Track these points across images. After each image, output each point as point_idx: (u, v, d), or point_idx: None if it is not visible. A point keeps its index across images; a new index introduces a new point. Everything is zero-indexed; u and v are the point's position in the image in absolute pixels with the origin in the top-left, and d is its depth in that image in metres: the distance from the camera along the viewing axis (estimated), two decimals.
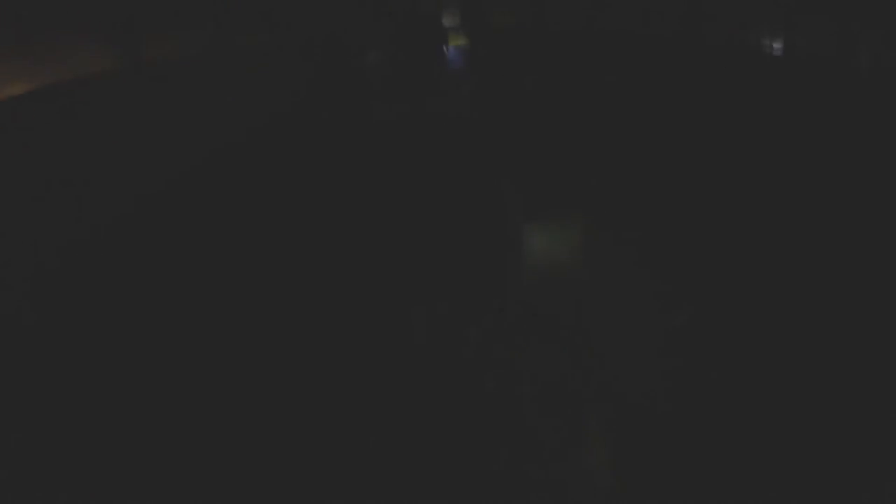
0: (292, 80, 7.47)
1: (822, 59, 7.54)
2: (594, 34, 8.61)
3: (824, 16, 7.51)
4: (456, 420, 3.03)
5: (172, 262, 4.39)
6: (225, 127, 6.24)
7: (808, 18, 7.69)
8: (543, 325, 3.71)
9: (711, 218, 4.93)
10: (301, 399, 3.22)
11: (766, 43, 8.01)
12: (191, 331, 3.71)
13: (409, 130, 6.42)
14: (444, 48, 7.89)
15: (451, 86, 7.56)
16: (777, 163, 5.67)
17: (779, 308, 3.83)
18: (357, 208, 5.08)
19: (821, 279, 4.05)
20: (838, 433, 2.89)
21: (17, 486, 2.69)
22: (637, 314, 3.79)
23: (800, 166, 5.62)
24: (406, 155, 5.90)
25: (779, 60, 7.91)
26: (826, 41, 7.55)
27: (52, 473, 2.78)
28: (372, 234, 4.75)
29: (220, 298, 4.00)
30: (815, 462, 2.75)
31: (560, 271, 4.19)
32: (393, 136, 6.30)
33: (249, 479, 2.76)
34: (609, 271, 4.14)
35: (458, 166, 5.68)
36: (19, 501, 2.62)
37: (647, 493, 2.64)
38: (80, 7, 6.33)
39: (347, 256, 4.47)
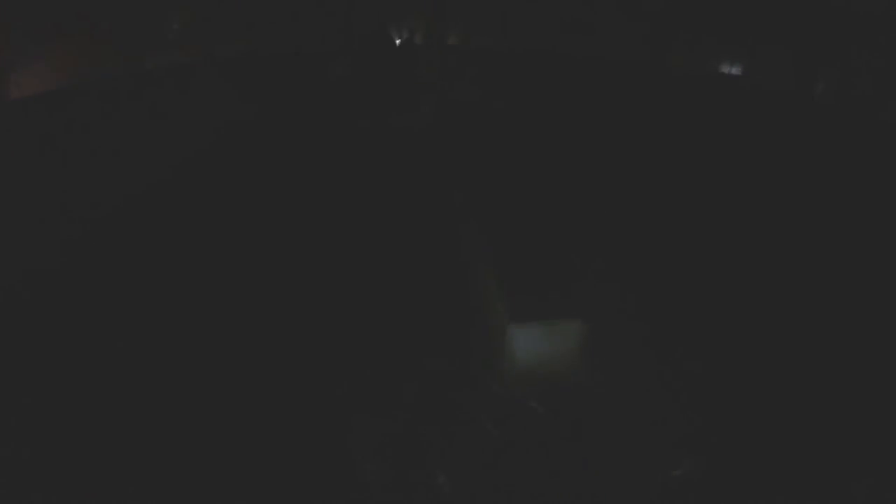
0: (257, 92, 7.40)
1: (781, 88, 7.64)
2: (557, 57, 8.60)
3: (783, 46, 7.63)
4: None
5: (161, 263, 4.50)
6: (191, 139, 6.30)
7: (768, 48, 7.80)
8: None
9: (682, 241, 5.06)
10: (278, 395, 3.32)
11: (727, 71, 8.09)
12: (175, 330, 3.82)
13: (372, 144, 6.46)
14: (407, 63, 7.76)
15: (414, 101, 7.42)
16: (741, 197, 5.69)
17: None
18: (322, 219, 5.16)
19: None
20: None
21: (16, 485, 2.71)
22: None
23: (763, 200, 5.64)
24: (369, 169, 5.97)
25: (739, 89, 7.99)
26: (785, 71, 7.66)
27: (48, 472, 2.80)
28: (336, 242, 4.86)
29: (198, 297, 4.12)
30: None
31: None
32: (357, 148, 6.37)
33: (238, 475, 2.82)
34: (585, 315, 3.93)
35: (418, 183, 5.75)
36: (19, 501, 2.63)
37: None
38: (79, 14, 6.22)
39: (315, 264, 4.58)
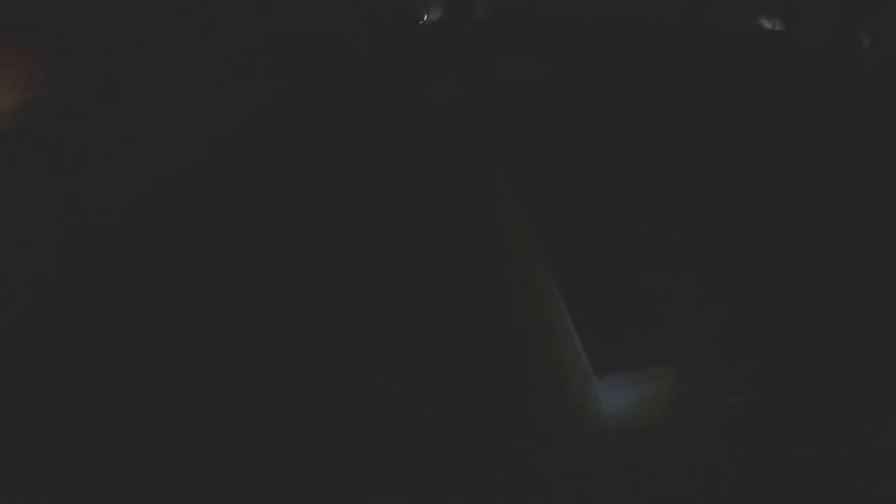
0: (280, 75, 7.20)
1: (823, 42, 7.47)
2: (593, 20, 8.39)
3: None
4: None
5: (165, 262, 4.38)
6: (214, 127, 6.17)
7: (809, 2, 7.58)
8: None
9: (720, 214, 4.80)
10: (285, 395, 3.22)
11: (766, 26, 7.89)
12: (177, 329, 3.73)
13: (402, 123, 6.21)
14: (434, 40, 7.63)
15: (444, 77, 7.32)
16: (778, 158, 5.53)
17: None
18: (350, 205, 4.89)
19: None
20: None
21: (17, 485, 2.73)
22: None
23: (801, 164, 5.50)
24: (399, 149, 5.68)
25: (780, 44, 7.82)
26: (826, 24, 7.47)
27: (50, 472, 2.81)
28: (364, 231, 4.59)
29: (211, 294, 4.00)
30: None
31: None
32: (385, 128, 6.09)
33: (239, 476, 2.78)
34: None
35: (452, 160, 5.45)
36: (19, 501, 2.66)
37: None
38: (69, 10, 5.99)
39: (339, 256, 4.31)
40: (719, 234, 4.69)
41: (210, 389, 3.31)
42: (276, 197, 5.08)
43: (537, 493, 2.78)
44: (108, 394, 3.30)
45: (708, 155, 5.77)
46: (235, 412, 3.17)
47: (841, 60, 7.43)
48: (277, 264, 4.28)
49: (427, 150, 5.67)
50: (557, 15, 8.42)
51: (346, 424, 3.13)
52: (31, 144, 5.47)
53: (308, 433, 3.08)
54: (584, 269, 3.83)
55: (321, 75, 7.28)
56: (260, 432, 3.05)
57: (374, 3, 8.02)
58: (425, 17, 7.98)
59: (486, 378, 3.39)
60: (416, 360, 3.52)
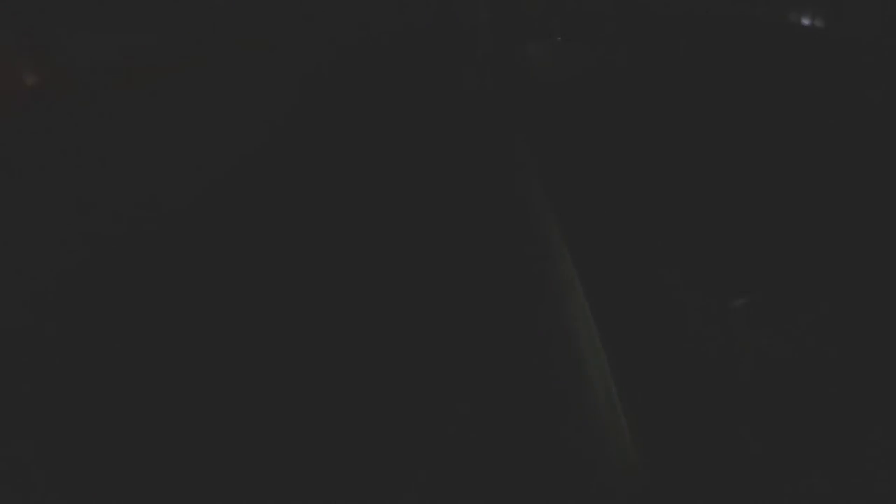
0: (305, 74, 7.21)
1: (867, 39, 7.47)
2: (629, 13, 8.43)
3: None
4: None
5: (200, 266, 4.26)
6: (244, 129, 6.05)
7: None
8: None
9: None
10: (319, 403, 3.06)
11: (804, 22, 7.92)
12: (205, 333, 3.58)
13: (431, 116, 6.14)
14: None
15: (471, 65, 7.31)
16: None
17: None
18: (373, 200, 4.84)
19: None
20: None
21: (17, 485, 2.64)
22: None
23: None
24: (428, 143, 5.58)
25: (820, 41, 7.84)
26: (872, 20, 7.47)
27: (59, 476, 2.71)
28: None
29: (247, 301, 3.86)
30: None
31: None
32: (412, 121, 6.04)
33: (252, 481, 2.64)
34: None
35: (480, 153, 5.37)
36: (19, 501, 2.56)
37: None
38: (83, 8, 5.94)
39: (353, 252, 4.22)
40: (760, 233, 4.56)
41: (243, 397, 3.16)
42: (298, 191, 5.06)
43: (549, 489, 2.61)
44: (131, 399, 3.17)
45: (743, 151, 5.74)
46: (269, 419, 3.03)
47: (886, 57, 7.43)
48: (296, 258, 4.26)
49: (454, 143, 5.61)
50: (593, 10, 8.44)
51: (373, 427, 2.96)
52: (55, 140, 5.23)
53: (345, 438, 2.92)
54: (608, 268, 3.74)
55: (353, 68, 7.28)
56: (299, 438, 2.90)
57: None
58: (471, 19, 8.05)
59: (506, 377, 3.22)
60: (441, 357, 3.37)
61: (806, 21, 7.87)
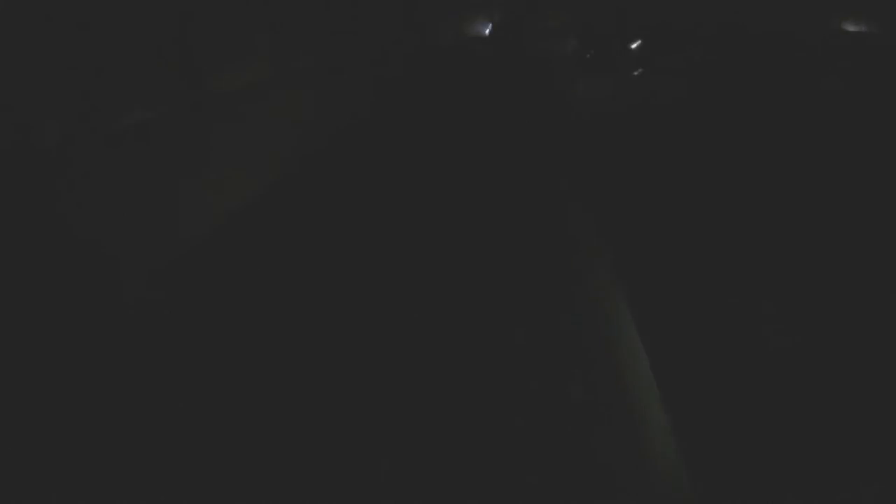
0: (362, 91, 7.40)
1: None
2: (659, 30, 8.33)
3: None
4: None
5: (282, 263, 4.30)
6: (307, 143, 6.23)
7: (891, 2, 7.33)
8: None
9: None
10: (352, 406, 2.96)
11: (848, 28, 7.64)
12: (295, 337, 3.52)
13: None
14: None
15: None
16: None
17: None
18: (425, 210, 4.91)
19: None
20: None
21: (18, 486, 2.58)
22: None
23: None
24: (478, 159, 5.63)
25: (862, 46, 7.54)
26: None
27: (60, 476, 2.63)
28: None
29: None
30: None
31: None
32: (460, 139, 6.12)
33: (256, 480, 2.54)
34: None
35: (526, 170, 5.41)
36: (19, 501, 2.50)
37: None
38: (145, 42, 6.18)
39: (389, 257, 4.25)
40: (809, 244, 4.38)
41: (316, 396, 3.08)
42: (368, 198, 5.23)
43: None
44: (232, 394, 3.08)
45: (788, 158, 5.54)
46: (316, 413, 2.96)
47: None
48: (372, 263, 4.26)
49: (501, 158, 5.71)
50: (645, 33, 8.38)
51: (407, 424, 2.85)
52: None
53: (374, 436, 2.81)
54: (651, 277, 3.67)
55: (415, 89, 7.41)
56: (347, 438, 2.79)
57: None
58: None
59: (545, 380, 3.10)
60: (483, 356, 3.29)
61: (849, 28, 7.59)
